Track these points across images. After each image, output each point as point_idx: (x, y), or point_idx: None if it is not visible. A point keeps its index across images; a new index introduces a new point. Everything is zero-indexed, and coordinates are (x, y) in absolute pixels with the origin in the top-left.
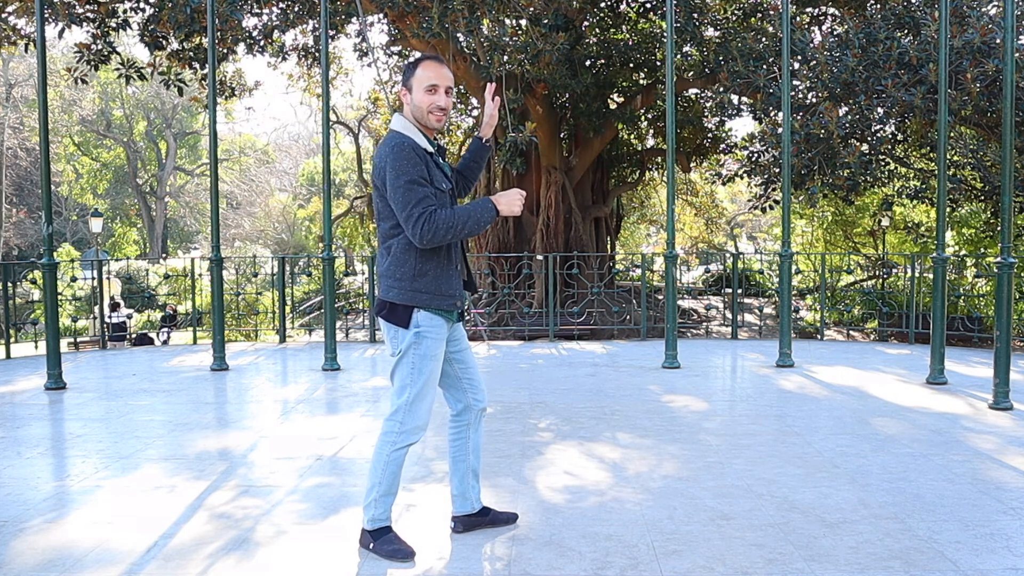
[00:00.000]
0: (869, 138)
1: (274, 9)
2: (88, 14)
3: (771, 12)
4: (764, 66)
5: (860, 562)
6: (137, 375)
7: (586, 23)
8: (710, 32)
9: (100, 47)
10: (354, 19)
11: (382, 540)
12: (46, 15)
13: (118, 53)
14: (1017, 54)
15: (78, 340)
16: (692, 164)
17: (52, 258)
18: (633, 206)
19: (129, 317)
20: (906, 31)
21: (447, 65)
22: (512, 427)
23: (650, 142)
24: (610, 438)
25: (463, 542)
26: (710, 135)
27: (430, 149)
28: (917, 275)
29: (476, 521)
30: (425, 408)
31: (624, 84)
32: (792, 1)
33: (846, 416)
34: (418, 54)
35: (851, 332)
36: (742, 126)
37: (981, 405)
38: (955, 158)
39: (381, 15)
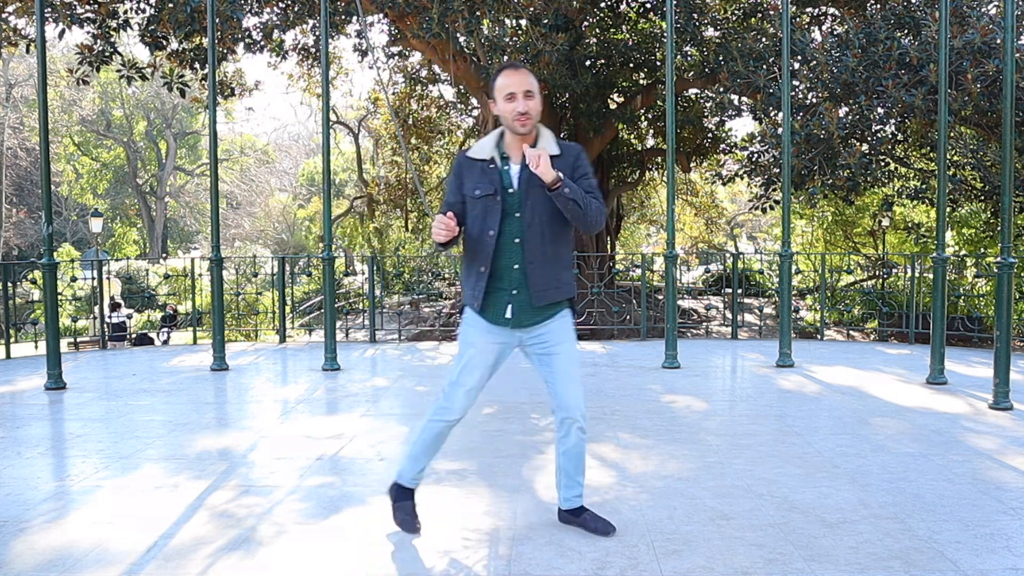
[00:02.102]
0: (869, 138)
1: (274, 9)
2: (88, 15)
3: (771, 12)
4: (764, 66)
5: (860, 562)
6: (137, 375)
7: (586, 23)
8: (710, 32)
9: (101, 48)
10: (354, 19)
11: (399, 505)
12: (46, 15)
13: (119, 54)
14: (1017, 54)
15: (78, 340)
16: (692, 164)
17: (52, 258)
18: (633, 206)
19: (129, 317)
20: (906, 31)
21: (526, 70)
22: (512, 427)
23: (650, 142)
24: (610, 438)
25: (464, 542)
26: (710, 135)
27: (485, 157)
28: (917, 275)
29: (566, 518)
30: (460, 393)
31: (624, 84)
32: (792, 1)
33: (846, 416)
34: (418, 55)
35: (851, 332)
36: (742, 126)
37: (981, 405)
38: (955, 158)
39: (381, 15)
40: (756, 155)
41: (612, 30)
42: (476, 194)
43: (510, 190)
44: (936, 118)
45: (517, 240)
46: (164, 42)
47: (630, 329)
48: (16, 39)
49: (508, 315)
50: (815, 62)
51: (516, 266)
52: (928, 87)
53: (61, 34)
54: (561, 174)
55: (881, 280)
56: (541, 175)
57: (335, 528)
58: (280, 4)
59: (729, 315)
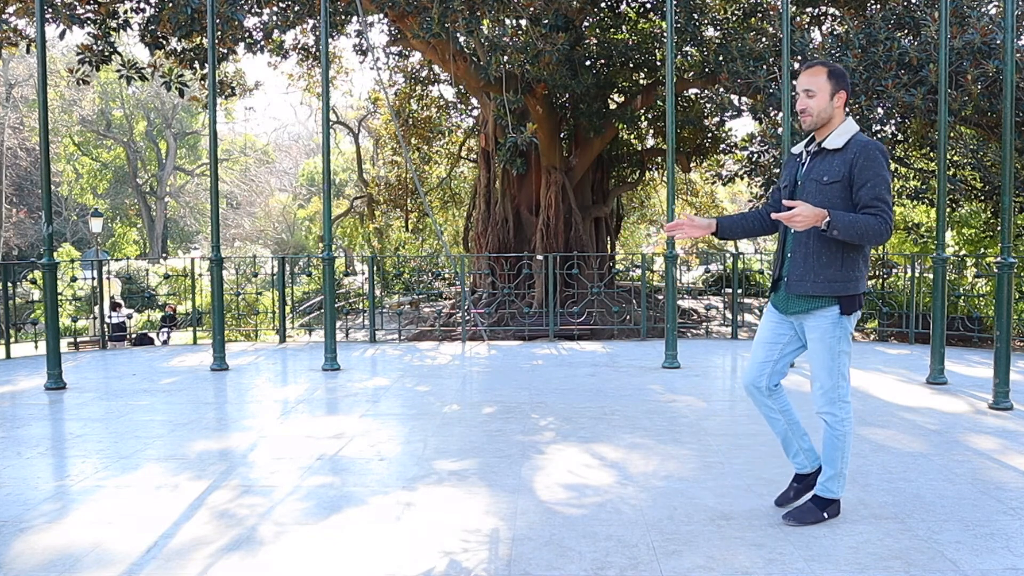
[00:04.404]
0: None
1: (274, 9)
2: (89, 15)
3: (771, 12)
4: (764, 66)
5: (860, 562)
6: (137, 375)
7: (586, 23)
8: (710, 32)
9: (101, 48)
10: (354, 19)
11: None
12: (46, 16)
13: (119, 54)
14: (1017, 54)
15: (78, 340)
16: (692, 164)
17: (52, 258)
18: (633, 206)
19: (129, 317)
20: (906, 31)
21: (818, 67)
22: (512, 427)
23: (650, 142)
24: (610, 438)
25: (464, 542)
26: (710, 135)
27: (797, 152)
28: (917, 275)
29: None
30: (749, 362)
31: (624, 84)
32: (792, 1)
33: None
34: (418, 55)
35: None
36: (742, 126)
37: (981, 405)
38: (955, 158)
39: (381, 15)
40: (756, 155)
41: (612, 30)
42: (782, 186)
43: (798, 183)
44: (936, 118)
45: (792, 231)
46: (164, 42)
47: (630, 329)
48: (16, 39)
49: (780, 299)
50: None
51: (789, 255)
52: (928, 87)
53: (62, 34)
54: (828, 219)
55: (881, 280)
56: (801, 227)
57: (335, 528)
58: (280, 4)
59: (729, 315)
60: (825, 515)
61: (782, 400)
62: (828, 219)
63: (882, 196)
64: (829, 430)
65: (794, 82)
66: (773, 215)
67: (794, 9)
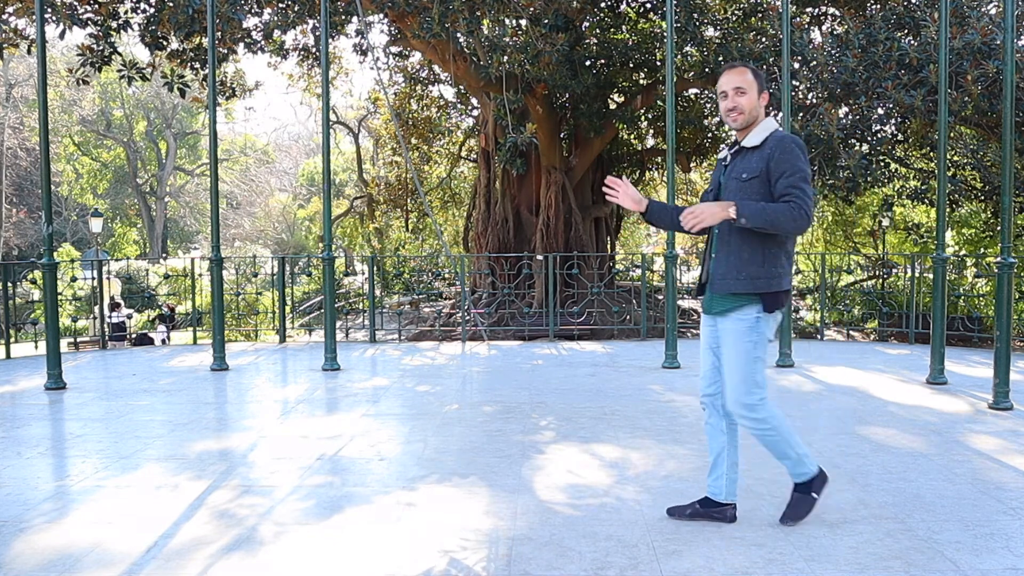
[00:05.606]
0: (869, 139)
1: (274, 9)
2: (89, 15)
3: (771, 12)
4: (764, 66)
5: (860, 562)
6: (137, 375)
7: (586, 23)
8: (710, 32)
9: (102, 48)
10: (354, 19)
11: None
12: (47, 16)
13: (119, 54)
14: (1017, 55)
15: (78, 340)
16: (692, 164)
17: (52, 258)
18: None
19: (129, 317)
20: (906, 32)
21: (743, 67)
22: (512, 427)
23: (650, 142)
24: (610, 438)
25: (464, 542)
26: (710, 135)
27: (720, 156)
28: (917, 275)
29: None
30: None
31: (624, 84)
32: (792, 1)
33: (846, 416)
34: (418, 55)
35: (851, 332)
36: None
37: (981, 405)
38: (955, 158)
39: (381, 15)
40: None
41: (612, 30)
42: (710, 189)
43: (722, 184)
44: (936, 118)
45: (716, 231)
46: (164, 42)
47: (630, 329)
48: (16, 39)
49: (706, 300)
50: (815, 62)
51: (714, 255)
52: (928, 88)
53: (62, 35)
54: (733, 209)
55: (881, 280)
56: (703, 224)
57: (335, 528)
58: (280, 4)
59: None
60: (814, 494)
61: (732, 417)
62: (734, 207)
63: (797, 184)
64: (760, 436)
65: (719, 83)
66: (680, 217)
67: (794, 9)
